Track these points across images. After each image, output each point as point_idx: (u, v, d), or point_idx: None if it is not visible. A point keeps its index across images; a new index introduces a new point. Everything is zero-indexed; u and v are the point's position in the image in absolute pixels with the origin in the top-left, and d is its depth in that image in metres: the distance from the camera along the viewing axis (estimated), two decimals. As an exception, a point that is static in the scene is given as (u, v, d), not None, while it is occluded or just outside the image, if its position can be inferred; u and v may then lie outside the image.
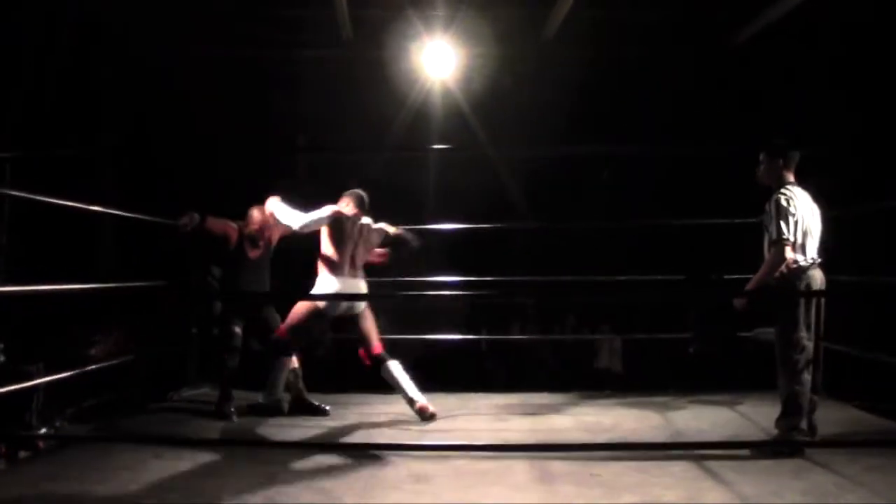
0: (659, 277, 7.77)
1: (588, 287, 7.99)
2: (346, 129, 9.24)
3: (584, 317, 9.45)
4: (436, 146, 9.41)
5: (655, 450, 5.43)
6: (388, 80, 9.14)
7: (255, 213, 6.84)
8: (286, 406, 6.71)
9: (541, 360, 9.00)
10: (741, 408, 6.83)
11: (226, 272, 7.02)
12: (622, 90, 9.20)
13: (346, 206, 6.55)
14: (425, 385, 6.70)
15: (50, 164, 7.48)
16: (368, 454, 5.32)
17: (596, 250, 9.02)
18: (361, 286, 6.44)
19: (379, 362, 6.52)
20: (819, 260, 5.39)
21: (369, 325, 6.51)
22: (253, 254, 6.81)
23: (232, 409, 6.58)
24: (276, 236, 6.92)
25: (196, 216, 6.54)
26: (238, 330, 6.74)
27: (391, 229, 6.77)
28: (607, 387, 7.99)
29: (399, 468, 4.98)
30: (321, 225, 6.39)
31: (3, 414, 5.80)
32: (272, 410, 6.66)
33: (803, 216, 5.31)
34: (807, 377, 5.28)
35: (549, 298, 8.39)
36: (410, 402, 6.44)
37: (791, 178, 5.46)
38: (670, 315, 8.69)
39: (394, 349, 8.50)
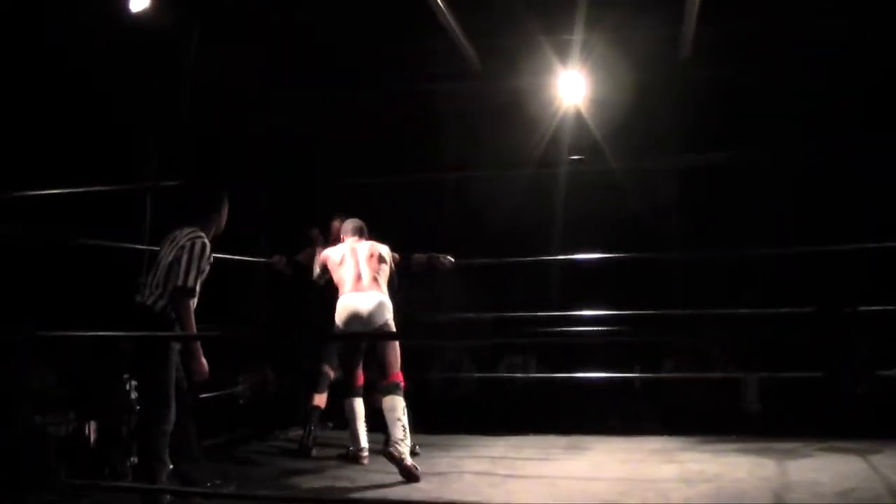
0: (795, 310, 7.03)
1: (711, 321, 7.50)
2: (481, 160, 9.05)
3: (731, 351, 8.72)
4: (572, 157, 8.86)
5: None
6: (521, 109, 8.91)
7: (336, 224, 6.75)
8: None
9: (686, 400, 8.32)
10: (875, 458, 6.09)
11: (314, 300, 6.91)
12: (757, 105, 8.53)
13: (342, 240, 6.42)
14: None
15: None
16: None
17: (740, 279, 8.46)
18: (369, 298, 6.03)
19: (352, 393, 6.33)
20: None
21: (386, 351, 6.01)
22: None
23: (310, 445, 6.56)
24: None
25: (283, 258, 6.57)
26: (327, 368, 6.66)
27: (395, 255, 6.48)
28: (743, 429, 7.35)
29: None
30: (322, 278, 6.42)
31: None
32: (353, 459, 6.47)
33: None
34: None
35: (682, 335, 7.76)
36: (353, 441, 6.40)
37: None
38: (812, 351, 7.87)
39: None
